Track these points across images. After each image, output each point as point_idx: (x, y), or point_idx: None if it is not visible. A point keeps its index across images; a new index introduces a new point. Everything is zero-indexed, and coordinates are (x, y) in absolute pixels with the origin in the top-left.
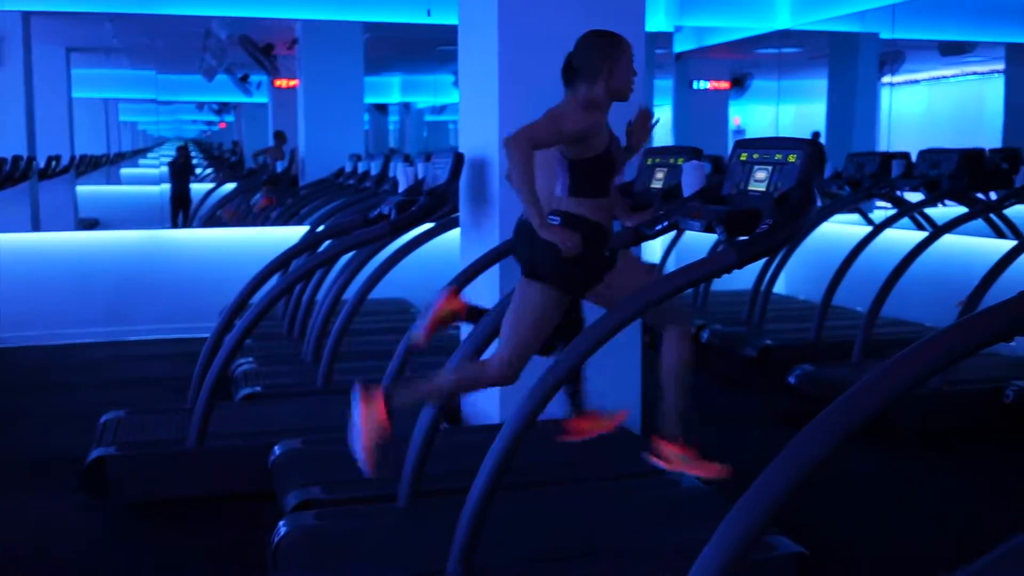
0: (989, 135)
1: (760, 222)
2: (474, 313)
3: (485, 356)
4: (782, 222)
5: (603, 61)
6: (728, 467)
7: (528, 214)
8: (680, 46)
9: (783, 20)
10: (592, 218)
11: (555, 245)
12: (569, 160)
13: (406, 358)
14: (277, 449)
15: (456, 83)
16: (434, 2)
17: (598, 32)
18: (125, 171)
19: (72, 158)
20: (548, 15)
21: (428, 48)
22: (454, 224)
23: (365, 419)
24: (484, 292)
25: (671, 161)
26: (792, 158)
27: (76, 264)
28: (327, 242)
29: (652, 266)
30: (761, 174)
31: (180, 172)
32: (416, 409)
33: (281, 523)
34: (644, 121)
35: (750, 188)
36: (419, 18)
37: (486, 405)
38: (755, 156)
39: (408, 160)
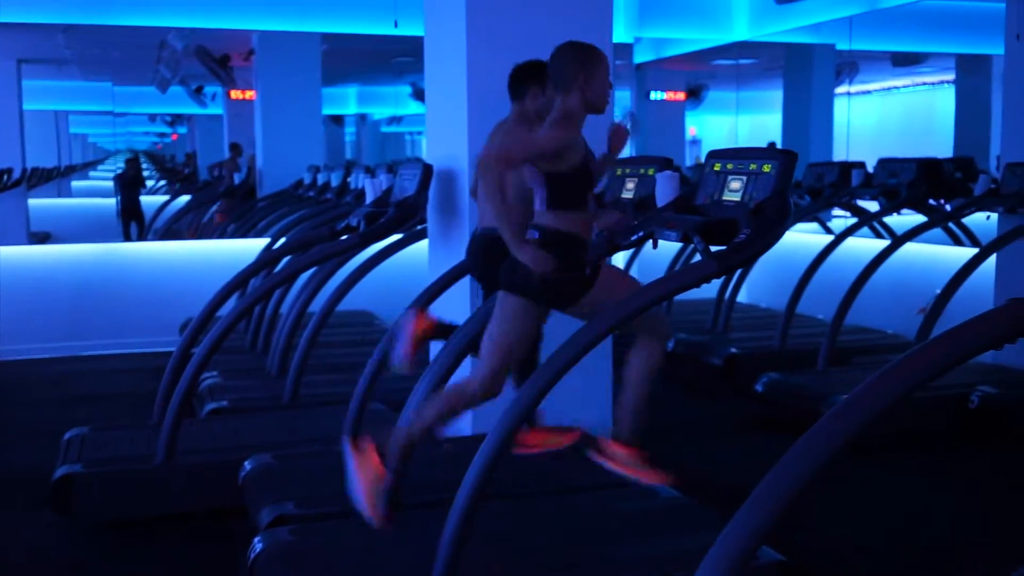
0: (939, 144)
1: (737, 232)
2: (442, 329)
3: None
4: (760, 232)
5: (578, 71)
6: (671, 475)
7: (503, 235)
8: (640, 57)
9: (740, 32)
10: (571, 231)
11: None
12: (545, 174)
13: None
14: (248, 464)
15: (413, 94)
16: (398, 12)
17: (573, 43)
18: (76, 184)
19: (23, 171)
20: (517, 24)
21: (385, 59)
22: (421, 236)
23: (360, 470)
24: (454, 306)
25: (641, 171)
26: (767, 168)
27: (30, 279)
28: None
29: (632, 278)
30: (736, 184)
31: (129, 185)
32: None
33: (256, 540)
34: (620, 133)
35: (724, 198)
36: (377, 29)
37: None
38: (729, 166)
39: (370, 172)
